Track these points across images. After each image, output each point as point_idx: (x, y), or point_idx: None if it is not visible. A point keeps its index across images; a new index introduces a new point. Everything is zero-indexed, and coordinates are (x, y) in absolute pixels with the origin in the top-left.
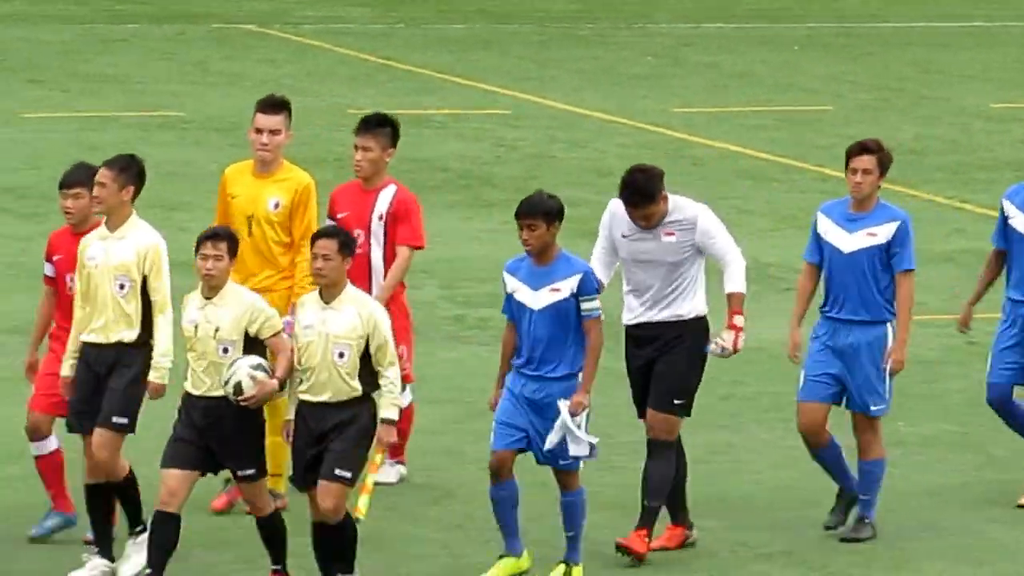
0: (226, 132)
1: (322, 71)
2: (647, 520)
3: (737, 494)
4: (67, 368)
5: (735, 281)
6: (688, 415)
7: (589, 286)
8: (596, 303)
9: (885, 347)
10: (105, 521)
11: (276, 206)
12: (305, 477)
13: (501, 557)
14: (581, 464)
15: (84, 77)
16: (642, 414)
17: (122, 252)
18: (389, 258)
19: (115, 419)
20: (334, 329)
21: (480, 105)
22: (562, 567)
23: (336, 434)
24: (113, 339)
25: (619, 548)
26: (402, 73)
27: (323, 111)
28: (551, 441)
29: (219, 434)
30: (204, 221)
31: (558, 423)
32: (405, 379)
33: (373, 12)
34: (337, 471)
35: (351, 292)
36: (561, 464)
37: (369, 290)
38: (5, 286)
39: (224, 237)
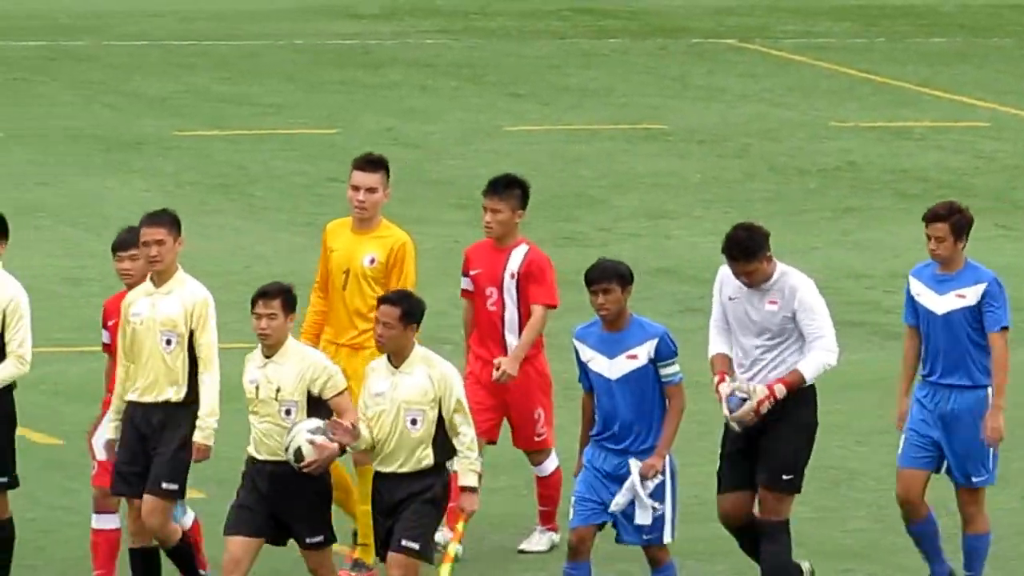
0: (708, 144)
1: (803, 85)
2: None
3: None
4: (111, 430)
5: (807, 365)
6: (799, 491)
7: (667, 350)
8: (676, 367)
9: (985, 413)
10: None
11: (372, 262)
12: (381, 550)
13: None
14: (667, 537)
15: (566, 90)
16: (726, 489)
17: (169, 307)
18: (524, 316)
19: (165, 485)
20: (405, 394)
21: (959, 117)
22: None
23: (407, 505)
24: (159, 398)
25: None
26: (882, 87)
27: (804, 124)
28: (617, 503)
29: (285, 500)
30: (689, 229)
31: (627, 484)
32: (543, 444)
33: (854, 26)
34: (404, 542)
35: (420, 353)
36: (644, 539)
37: (502, 349)
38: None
39: (276, 294)
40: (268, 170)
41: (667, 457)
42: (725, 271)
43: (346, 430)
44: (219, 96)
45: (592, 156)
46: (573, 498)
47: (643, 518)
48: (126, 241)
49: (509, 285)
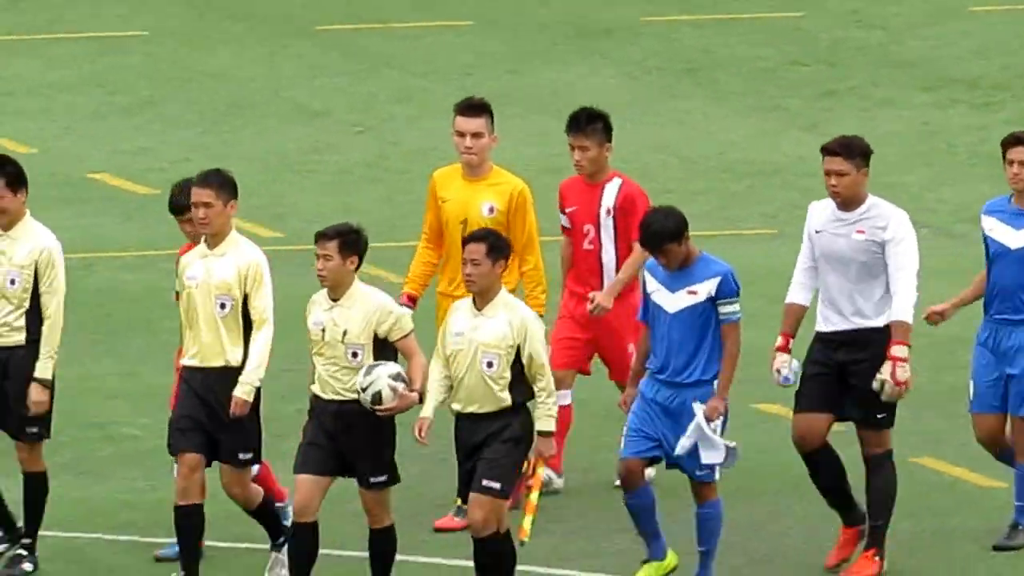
0: None
1: None
2: (874, 539)
3: None
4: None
5: (900, 309)
6: (891, 424)
7: (728, 289)
8: (736, 307)
9: None
10: (195, 544)
11: (491, 211)
12: (463, 491)
13: (645, 562)
14: (718, 475)
15: None
16: (803, 409)
17: (223, 270)
18: (621, 253)
19: (241, 456)
20: (483, 337)
21: None
22: None
23: (487, 445)
24: (216, 363)
25: None
26: None
27: None
28: (683, 446)
29: (350, 439)
30: None
31: (692, 427)
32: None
33: None
34: (485, 482)
35: (504, 299)
36: (697, 475)
37: (600, 285)
38: (963, 174)
39: (331, 236)
40: (733, 54)
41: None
42: (815, 205)
43: (411, 401)
44: None
45: None
46: (625, 428)
47: (713, 457)
48: (181, 205)
49: (606, 222)
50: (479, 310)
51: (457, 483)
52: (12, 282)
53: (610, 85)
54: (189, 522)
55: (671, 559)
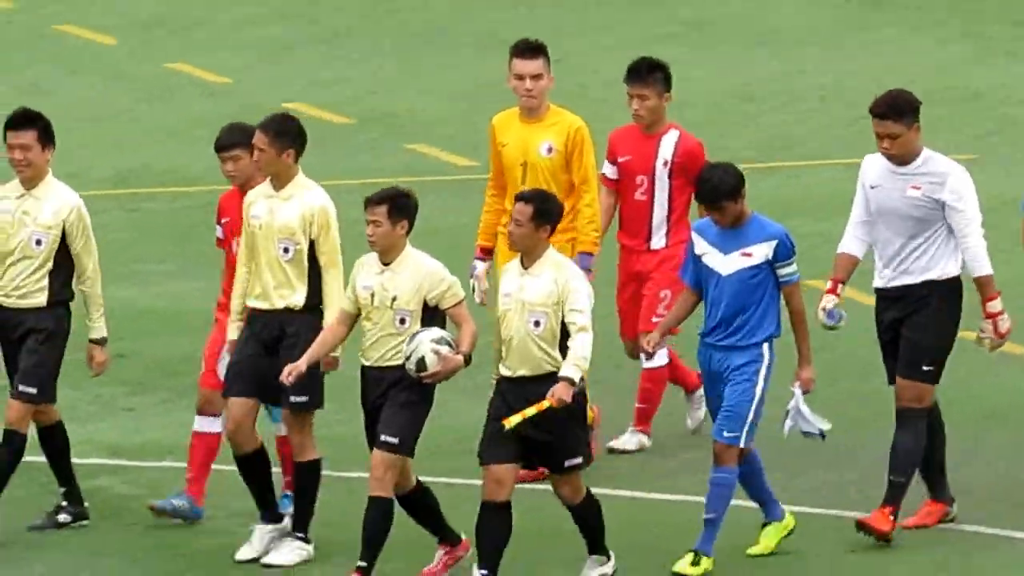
0: None
1: None
2: (892, 496)
3: None
4: (233, 331)
5: (978, 263)
6: (937, 382)
7: (785, 251)
8: (794, 267)
9: None
10: (263, 484)
11: (549, 151)
12: (498, 454)
13: (764, 525)
14: (743, 443)
15: None
16: (892, 381)
17: (287, 214)
18: (675, 205)
19: (294, 398)
20: (530, 296)
21: None
22: (690, 556)
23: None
24: (280, 305)
25: (860, 527)
26: None
27: None
28: (788, 426)
29: (380, 404)
30: None
31: (791, 406)
32: (673, 332)
33: None
34: (567, 463)
35: (552, 257)
36: (725, 436)
37: (647, 238)
38: None
39: (380, 201)
40: None
41: (767, 349)
42: (868, 159)
43: (456, 364)
44: None
45: None
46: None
47: (810, 428)
48: (226, 142)
49: (661, 173)
50: (526, 269)
51: (481, 444)
52: (38, 243)
53: (809, 11)
54: (248, 470)
55: (790, 520)
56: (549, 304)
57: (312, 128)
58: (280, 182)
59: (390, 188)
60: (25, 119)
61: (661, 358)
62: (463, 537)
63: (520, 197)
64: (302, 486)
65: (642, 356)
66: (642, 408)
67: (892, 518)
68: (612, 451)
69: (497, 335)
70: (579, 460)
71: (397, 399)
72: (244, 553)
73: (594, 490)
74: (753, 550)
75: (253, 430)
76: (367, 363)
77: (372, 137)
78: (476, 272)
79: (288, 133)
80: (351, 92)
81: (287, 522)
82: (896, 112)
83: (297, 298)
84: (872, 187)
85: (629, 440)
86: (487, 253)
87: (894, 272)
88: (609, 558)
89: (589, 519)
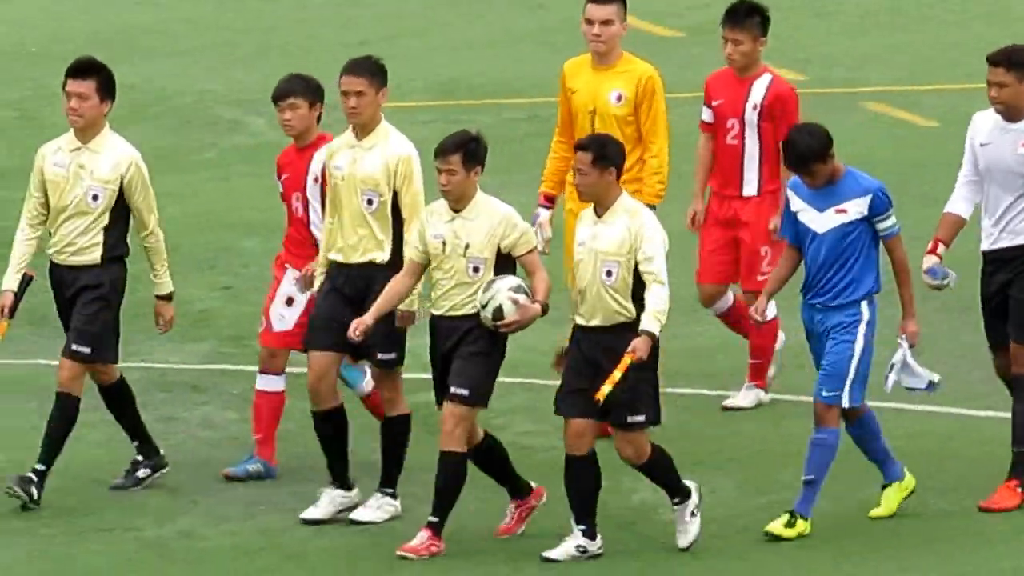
0: None
1: None
2: (1018, 470)
3: None
4: (317, 283)
5: None
6: None
7: (881, 204)
8: (893, 219)
9: None
10: (338, 448)
11: (619, 99)
12: (573, 407)
13: (884, 487)
14: (847, 402)
15: None
16: (993, 347)
17: (370, 164)
18: (766, 151)
19: (381, 356)
20: (602, 245)
21: None
22: (785, 516)
23: (609, 362)
24: (363, 259)
25: (984, 511)
26: None
27: None
28: (892, 381)
29: (449, 353)
30: None
31: (897, 359)
32: (763, 285)
33: None
34: (630, 418)
35: (625, 204)
36: (824, 396)
37: (740, 184)
38: None
39: (453, 149)
40: None
41: (866, 306)
42: (978, 116)
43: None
44: None
45: None
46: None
47: (917, 383)
48: (284, 91)
49: (751, 117)
50: (599, 217)
51: (557, 396)
52: (95, 198)
53: None
54: (326, 428)
55: (910, 480)
56: (622, 253)
57: (637, 40)
58: (365, 130)
59: (459, 134)
60: (88, 67)
61: (771, 310)
62: (533, 486)
63: (578, 146)
64: (391, 441)
65: (754, 318)
66: (756, 364)
67: (1019, 490)
68: (727, 408)
69: (572, 284)
70: (641, 418)
71: (468, 349)
72: (310, 513)
73: None
74: (875, 512)
75: (335, 386)
76: (437, 312)
77: None
78: (539, 220)
79: (382, 72)
80: (676, 7)
81: (356, 492)
82: (1008, 62)
83: (382, 253)
84: (982, 144)
85: (745, 396)
86: (550, 200)
87: (1002, 232)
88: (689, 495)
89: (660, 476)
